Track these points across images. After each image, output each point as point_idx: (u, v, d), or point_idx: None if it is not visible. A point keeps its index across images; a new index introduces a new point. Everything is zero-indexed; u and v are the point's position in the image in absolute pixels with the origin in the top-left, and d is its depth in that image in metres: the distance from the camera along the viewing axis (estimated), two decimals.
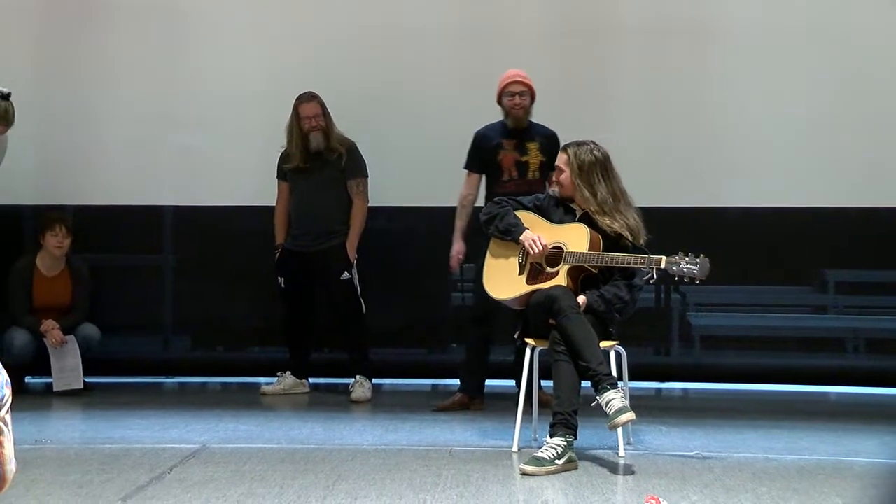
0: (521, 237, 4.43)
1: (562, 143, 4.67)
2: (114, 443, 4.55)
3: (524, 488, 3.90)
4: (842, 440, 4.71)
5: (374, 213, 6.19)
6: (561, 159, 4.50)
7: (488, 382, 5.69)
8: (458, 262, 5.48)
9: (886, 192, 5.95)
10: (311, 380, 5.95)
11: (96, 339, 5.92)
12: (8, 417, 2.62)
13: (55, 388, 5.75)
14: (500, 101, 5.39)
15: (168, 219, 6.48)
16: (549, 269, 4.40)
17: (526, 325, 4.48)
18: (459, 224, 5.45)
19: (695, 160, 6.02)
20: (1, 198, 5.88)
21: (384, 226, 6.42)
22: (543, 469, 4.02)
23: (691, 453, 4.38)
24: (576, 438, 4.16)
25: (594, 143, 4.54)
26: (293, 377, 5.83)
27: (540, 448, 4.13)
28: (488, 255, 4.60)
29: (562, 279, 4.35)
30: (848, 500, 3.70)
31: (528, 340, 4.43)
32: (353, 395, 5.66)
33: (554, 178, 4.54)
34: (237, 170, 5.99)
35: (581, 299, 4.31)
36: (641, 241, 4.40)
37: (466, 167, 5.47)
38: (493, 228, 4.51)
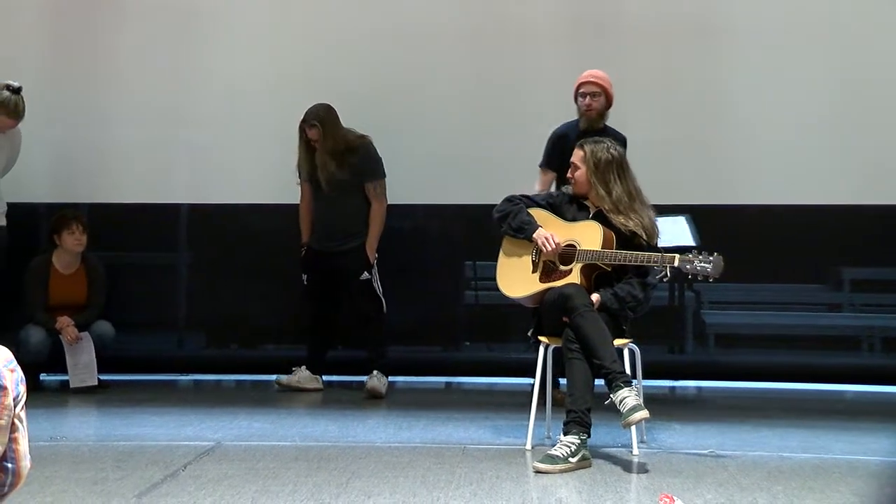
0: (534, 235, 4.43)
1: None
2: (128, 440, 4.57)
3: (538, 486, 3.89)
4: (857, 439, 4.69)
5: (390, 211, 6.20)
6: (577, 156, 4.49)
7: (501, 380, 5.70)
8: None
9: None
10: (325, 377, 5.96)
11: (111, 336, 5.94)
12: (23, 414, 2.64)
13: (71, 386, 5.78)
14: (575, 101, 5.35)
15: (182, 217, 6.50)
16: (562, 268, 4.39)
17: (539, 324, 4.47)
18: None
19: (707, 157, 6.00)
20: (17, 195, 5.90)
21: (397, 224, 6.40)
22: (557, 467, 4.02)
23: (705, 451, 4.37)
24: (589, 436, 4.15)
25: (610, 141, 4.55)
26: (308, 372, 5.84)
27: (553, 446, 4.13)
28: (501, 253, 4.59)
29: (575, 277, 4.34)
30: (864, 499, 3.68)
31: (542, 338, 4.43)
32: (368, 385, 5.66)
33: (569, 175, 4.53)
34: (251, 168, 6.01)
35: (595, 297, 4.31)
36: (655, 241, 4.40)
37: (542, 165, 5.40)
38: (506, 226, 4.51)
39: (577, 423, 4.12)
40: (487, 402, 5.61)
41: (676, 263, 4.22)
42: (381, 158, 5.77)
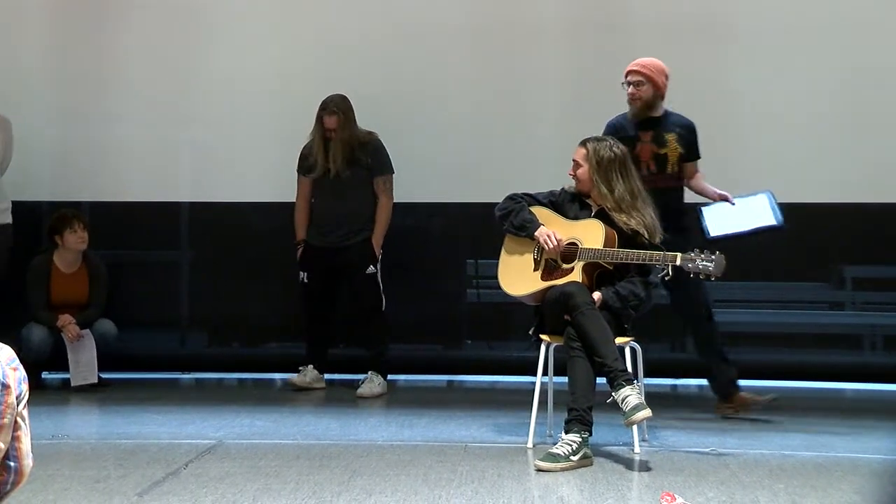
0: (535, 233, 4.43)
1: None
2: (130, 438, 4.57)
3: (539, 485, 3.89)
4: (859, 437, 4.69)
5: (394, 209, 6.21)
6: (579, 154, 4.50)
7: (503, 378, 5.69)
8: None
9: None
10: (326, 376, 5.96)
11: (113, 334, 5.95)
12: (25, 413, 2.64)
13: (72, 384, 5.78)
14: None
15: (184, 215, 6.51)
16: (564, 266, 4.40)
17: (541, 322, 4.47)
18: None
19: (709, 155, 5.96)
20: (19, 194, 5.91)
21: (399, 221, 6.39)
22: (558, 465, 4.02)
23: (707, 450, 4.37)
24: (591, 435, 4.15)
25: (613, 139, 4.55)
26: (316, 371, 5.84)
27: (555, 444, 4.13)
28: (503, 251, 4.60)
29: (577, 275, 4.34)
30: (866, 497, 3.68)
31: (543, 337, 4.43)
32: (360, 391, 5.66)
33: (571, 173, 4.53)
34: (254, 166, 6.01)
35: (596, 295, 4.31)
36: (657, 240, 4.40)
37: None
38: (508, 224, 4.51)
39: (579, 421, 4.12)
40: (489, 401, 5.62)
41: (678, 262, 4.22)
42: (390, 156, 5.78)
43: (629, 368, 4.26)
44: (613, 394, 4.11)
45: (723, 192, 5.13)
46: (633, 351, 4.39)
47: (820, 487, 3.81)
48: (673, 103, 5.92)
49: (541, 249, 4.46)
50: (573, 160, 4.52)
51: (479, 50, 6.10)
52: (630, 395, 4.06)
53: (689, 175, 5.17)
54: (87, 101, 6.28)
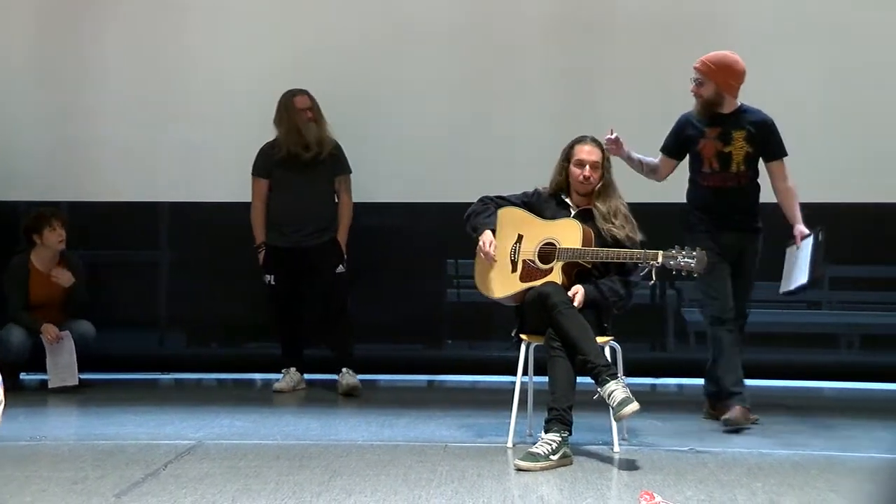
0: (480, 237, 4.44)
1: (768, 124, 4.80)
2: (109, 439, 4.55)
3: (519, 484, 3.90)
4: (836, 435, 4.73)
5: (371, 209, 6.20)
6: (595, 154, 4.46)
7: (483, 378, 5.69)
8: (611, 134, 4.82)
9: (881, 188, 5.94)
10: (305, 376, 5.95)
11: (92, 335, 5.92)
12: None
13: (50, 385, 5.75)
14: None
15: (164, 215, 6.49)
16: (542, 266, 4.40)
17: (523, 322, 4.48)
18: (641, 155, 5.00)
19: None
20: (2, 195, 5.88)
21: (380, 222, 6.43)
22: (538, 465, 4.03)
23: (686, 448, 4.40)
24: (570, 434, 4.16)
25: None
26: (298, 373, 5.84)
27: (535, 444, 4.14)
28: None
29: (556, 276, 4.35)
30: (842, 495, 3.71)
31: (523, 337, 4.44)
32: (347, 384, 5.66)
33: (588, 174, 4.43)
34: (234, 166, 5.98)
35: (578, 289, 4.29)
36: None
37: (661, 149, 5.06)
38: (468, 227, 4.54)
39: (559, 420, 4.13)
40: (469, 400, 5.63)
41: (660, 260, 4.23)
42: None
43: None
44: (599, 389, 4.12)
45: (801, 230, 4.87)
46: (612, 350, 4.41)
47: (797, 486, 3.84)
48: (662, 102, 5.95)
49: (518, 250, 4.47)
50: (583, 160, 4.44)
51: (458, 49, 6.10)
52: (616, 390, 4.07)
53: (774, 177, 4.94)
54: (67, 100, 6.24)
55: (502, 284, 4.48)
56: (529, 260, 4.44)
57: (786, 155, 4.95)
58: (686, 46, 5.91)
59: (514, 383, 4.45)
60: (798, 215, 4.91)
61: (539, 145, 5.61)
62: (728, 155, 4.88)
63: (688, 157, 5.00)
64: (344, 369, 5.74)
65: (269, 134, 5.79)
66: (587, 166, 4.44)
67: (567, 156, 4.50)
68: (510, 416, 4.41)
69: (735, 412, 4.72)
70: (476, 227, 4.50)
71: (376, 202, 6.19)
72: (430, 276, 6.41)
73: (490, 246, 4.41)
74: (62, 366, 5.75)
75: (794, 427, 4.92)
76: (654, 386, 6.20)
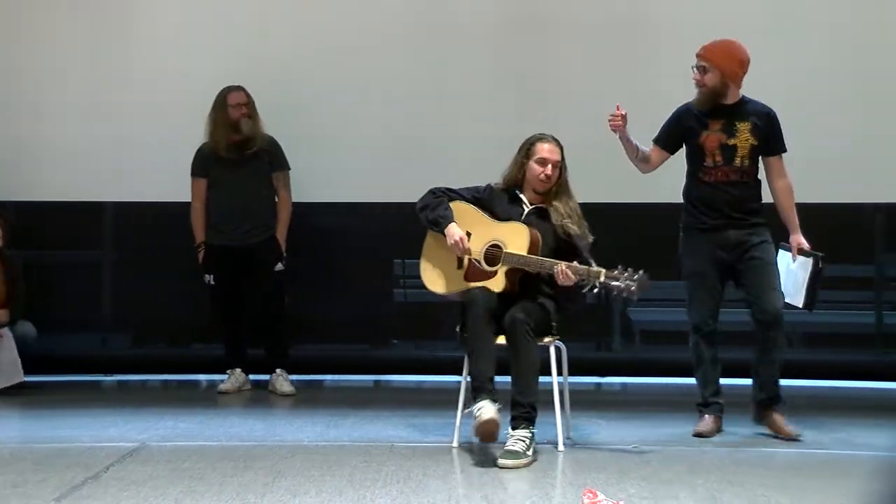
0: (446, 230, 4.41)
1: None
2: (50, 442, 4.49)
3: (465, 483, 3.92)
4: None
5: (319, 209, 6.19)
6: (555, 153, 4.43)
7: (429, 378, 5.70)
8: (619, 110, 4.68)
9: (824, 189, 6.02)
10: (250, 377, 5.92)
11: (33, 336, 5.84)
12: None
13: None
14: None
15: (108, 215, 6.42)
16: (487, 268, 4.41)
17: (466, 321, 4.48)
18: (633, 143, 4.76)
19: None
20: None
21: (326, 222, 6.41)
22: (521, 462, 4.07)
23: (629, 447, 4.44)
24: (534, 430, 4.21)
25: None
26: (243, 374, 5.81)
27: (506, 442, 4.14)
28: (425, 246, 4.59)
29: (500, 279, 4.36)
30: (780, 490, 3.78)
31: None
32: (284, 389, 5.66)
33: (548, 173, 4.41)
34: (177, 165, 5.93)
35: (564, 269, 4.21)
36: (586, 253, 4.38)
37: (654, 140, 4.84)
38: (424, 218, 4.50)
39: (526, 418, 4.17)
40: (416, 400, 5.64)
41: (602, 279, 4.17)
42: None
43: (554, 367, 4.31)
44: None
45: (801, 242, 4.69)
46: (557, 350, 4.44)
47: (736, 482, 3.90)
48: (610, 103, 5.96)
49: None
50: (545, 159, 4.40)
51: (402, 47, 6.10)
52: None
53: (772, 173, 4.73)
54: (7, 99, 6.14)
55: (448, 280, 4.48)
56: (475, 259, 4.44)
57: (785, 151, 4.77)
58: (633, 47, 6.00)
59: (460, 383, 4.46)
60: (796, 220, 4.71)
61: (485, 145, 5.66)
62: (733, 148, 4.65)
63: (685, 151, 4.76)
64: (278, 370, 5.73)
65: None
66: (549, 165, 4.43)
67: (527, 152, 4.46)
68: (456, 416, 4.42)
69: (706, 424, 4.66)
70: (437, 221, 4.43)
71: (324, 202, 6.18)
72: (377, 275, 6.41)
73: (462, 244, 4.38)
74: (5, 364, 5.66)
75: (734, 424, 4.95)
76: (598, 385, 6.26)
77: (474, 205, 4.52)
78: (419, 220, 4.54)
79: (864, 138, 5.99)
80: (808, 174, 5.86)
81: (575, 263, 4.25)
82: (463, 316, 4.46)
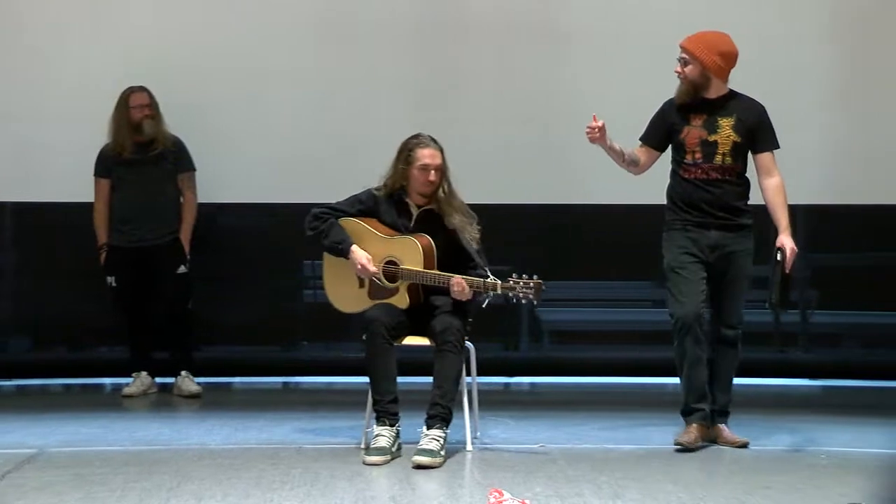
0: (350, 256, 4.38)
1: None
2: None
3: (372, 485, 3.93)
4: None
5: (229, 209, 6.12)
6: (437, 158, 4.40)
7: (339, 379, 5.69)
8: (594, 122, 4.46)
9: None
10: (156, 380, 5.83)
11: None
12: None
13: None
14: None
15: (7, 216, 6.25)
16: (388, 285, 4.41)
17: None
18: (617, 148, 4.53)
19: (546, 158, 6.11)
20: None
21: (235, 223, 6.35)
22: (437, 460, 4.11)
23: (536, 445, 4.49)
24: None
25: None
26: (148, 377, 5.73)
27: (420, 441, 4.17)
28: (325, 265, 4.57)
29: (403, 296, 4.38)
30: (682, 486, 3.87)
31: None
32: (191, 390, 5.62)
33: (434, 179, 4.39)
34: (79, 166, 5.80)
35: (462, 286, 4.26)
36: (476, 248, 4.42)
37: (640, 138, 4.62)
38: (321, 246, 4.48)
39: (443, 418, 4.21)
40: (325, 402, 5.63)
41: (499, 290, 4.22)
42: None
43: (463, 368, 4.35)
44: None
45: (785, 243, 4.38)
46: (466, 350, 4.47)
47: (639, 478, 3.98)
48: (514, 106, 6.02)
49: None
50: (433, 165, 4.37)
51: (317, 47, 6.06)
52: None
53: (762, 171, 4.47)
54: None
55: (354, 300, 4.49)
56: (376, 278, 4.43)
57: (777, 147, 4.50)
58: (537, 49, 6.06)
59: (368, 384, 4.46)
60: (785, 220, 4.42)
61: (392, 146, 5.63)
62: (713, 144, 4.42)
63: (670, 147, 4.55)
64: (183, 372, 5.67)
65: (106, 134, 5.66)
66: (432, 171, 4.40)
67: (407, 159, 4.42)
68: (364, 417, 4.42)
69: (687, 434, 4.42)
70: (337, 248, 4.39)
71: (232, 202, 6.12)
72: (286, 277, 6.36)
73: (369, 263, 4.37)
74: None
75: (639, 422, 5.08)
76: (507, 385, 6.31)
77: (360, 217, 4.47)
78: (317, 245, 4.48)
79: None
80: None
81: (470, 277, 4.28)
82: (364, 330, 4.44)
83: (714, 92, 4.46)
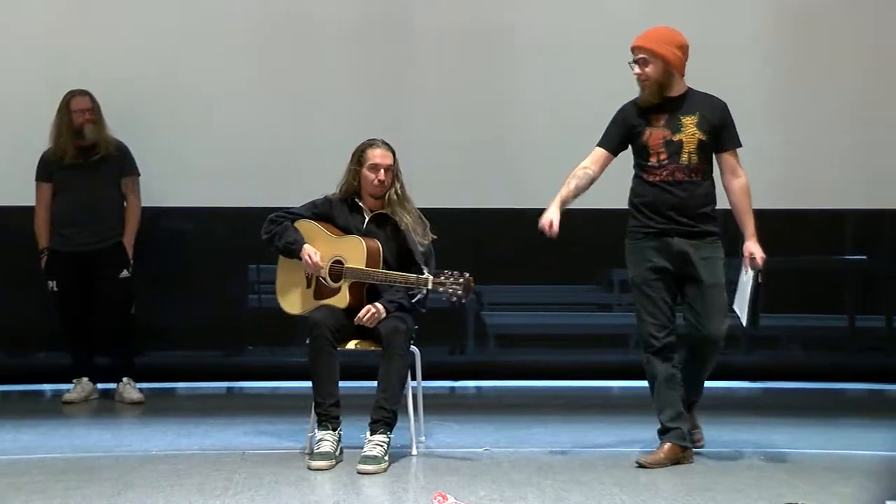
0: (300, 253, 4.42)
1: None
2: None
3: (317, 490, 3.92)
4: (620, 432, 4.93)
5: (171, 213, 6.06)
6: (387, 158, 4.45)
7: (284, 384, 5.65)
8: (547, 228, 4.30)
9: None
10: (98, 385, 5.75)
11: None
12: None
13: None
14: None
15: None
16: (332, 284, 4.42)
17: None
18: (561, 192, 4.35)
19: (492, 162, 6.13)
20: None
21: (179, 226, 6.29)
22: (381, 466, 4.11)
23: (481, 449, 4.51)
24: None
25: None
26: (90, 383, 5.65)
27: (365, 446, 4.17)
28: (278, 270, 4.59)
29: (344, 295, 4.39)
30: (625, 490, 3.90)
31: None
32: (133, 397, 5.57)
33: (383, 178, 4.43)
34: (19, 169, 5.70)
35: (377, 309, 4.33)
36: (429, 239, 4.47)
37: (598, 143, 4.41)
38: (275, 248, 4.50)
39: (387, 422, 4.21)
40: (269, 406, 5.61)
41: (430, 286, 4.26)
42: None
43: (408, 372, 4.35)
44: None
45: (752, 251, 4.21)
46: (411, 354, 4.47)
47: (584, 482, 4.01)
48: (461, 110, 6.03)
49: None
50: (383, 165, 4.42)
51: (262, 50, 6.02)
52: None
53: (725, 171, 4.30)
54: None
55: (301, 301, 4.50)
56: (322, 277, 4.44)
57: (740, 146, 4.32)
58: (484, 53, 6.07)
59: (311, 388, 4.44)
60: (751, 225, 4.25)
61: (338, 150, 5.61)
62: (678, 144, 4.22)
63: (632, 152, 4.35)
64: (125, 379, 5.61)
65: (40, 136, 5.58)
66: (382, 170, 4.47)
67: (359, 160, 4.50)
68: (309, 422, 4.40)
69: (658, 453, 4.23)
70: (289, 248, 4.43)
71: (176, 207, 6.06)
72: (230, 281, 6.32)
73: (312, 258, 4.39)
74: None
75: (584, 425, 5.11)
76: (452, 389, 6.32)
77: (315, 221, 4.51)
78: (272, 249, 4.51)
79: None
80: None
81: (405, 273, 4.32)
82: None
83: (676, 90, 4.27)
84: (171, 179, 5.84)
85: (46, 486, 3.84)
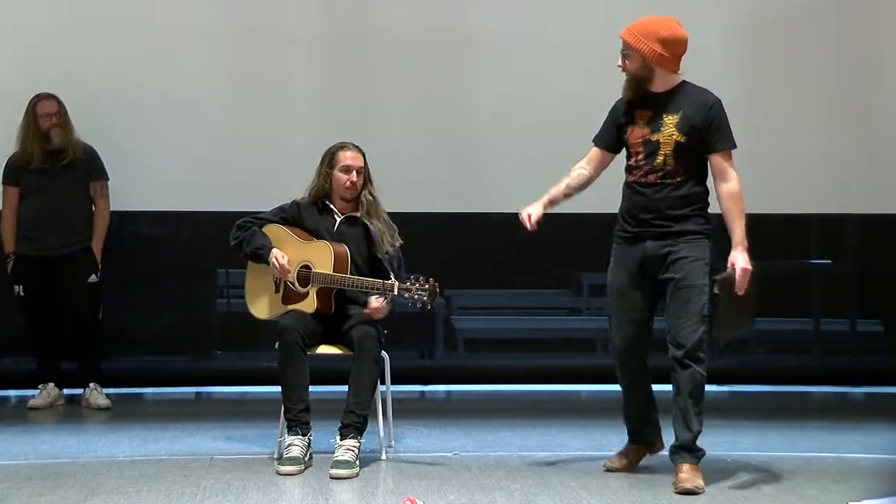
0: (269, 257, 4.42)
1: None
2: None
3: (285, 495, 3.90)
4: (590, 435, 4.95)
5: (139, 217, 6.03)
6: (360, 160, 4.47)
7: (252, 389, 5.62)
8: (526, 221, 4.16)
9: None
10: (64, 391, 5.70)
11: None
12: None
13: None
14: None
15: None
16: (300, 289, 4.41)
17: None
18: (551, 189, 4.20)
19: (459, 167, 6.15)
20: None
21: (147, 230, 6.26)
22: (354, 471, 4.11)
23: (450, 454, 4.51)
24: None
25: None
26: (56, 388, 5.60)
27: (337, 451, 4.16)
28: (248, 274, 4.59)
29: (311, 300, 4.38)
30: (592, 492, 3.92)
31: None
32: (99, 403, 5.52)
33: (351, 180, 4.43)
34: None
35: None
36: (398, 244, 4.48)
37: (593, 140, 4.22)
38: (244, 254, 4.50)
39: (357, 427, 4.21)
40: (238, 412, 5.58)
41: (395, 292, 4.26)
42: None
43: (378, 377, 4.35)
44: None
45: (733, 260, 3.95)
46: (382, 359, 4.47)
47: (552, 486, 4.02)
48: (429, 115, 6.03)
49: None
50: (354, 166, 4.43)
51: (222, 52, 5.99)
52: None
53: (715, 175, 4.00)
54: None
55: (269, 306, 4.49)
56: (290, 282, 4.44)
57: (733, 147, 4.01)
58: (448, 57, 6.08)
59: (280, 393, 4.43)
60: (740, 233, 3.96)
61: (303, 154, 5.60)
62: (655, 144, 3.97)
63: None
64: (91, 384, 5.56)
65: (6, 136, 5.54)
66: (353, 172, 4.47)
67: (330, 162, 4.50)
68: (277, 427, 4.39)
69: (621, 457, 4.25)
70: (257, 253, 4.43)
71: (145, 210, 6.03)
72: (199, 286, 6.29)
73: (279, 261, 4.39)
74: None
75: (553, 429, 5.12)
76: (422, 393, 6.32)
77: (284, 225, 4.51)
78: (241, 256, 4.51)
79: None
80: None
81: (371, 279, 4.32)
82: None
83: (661, 85, 3.99)
84: (138, 183, 5.79)
85: (9, 493, 3.80)
